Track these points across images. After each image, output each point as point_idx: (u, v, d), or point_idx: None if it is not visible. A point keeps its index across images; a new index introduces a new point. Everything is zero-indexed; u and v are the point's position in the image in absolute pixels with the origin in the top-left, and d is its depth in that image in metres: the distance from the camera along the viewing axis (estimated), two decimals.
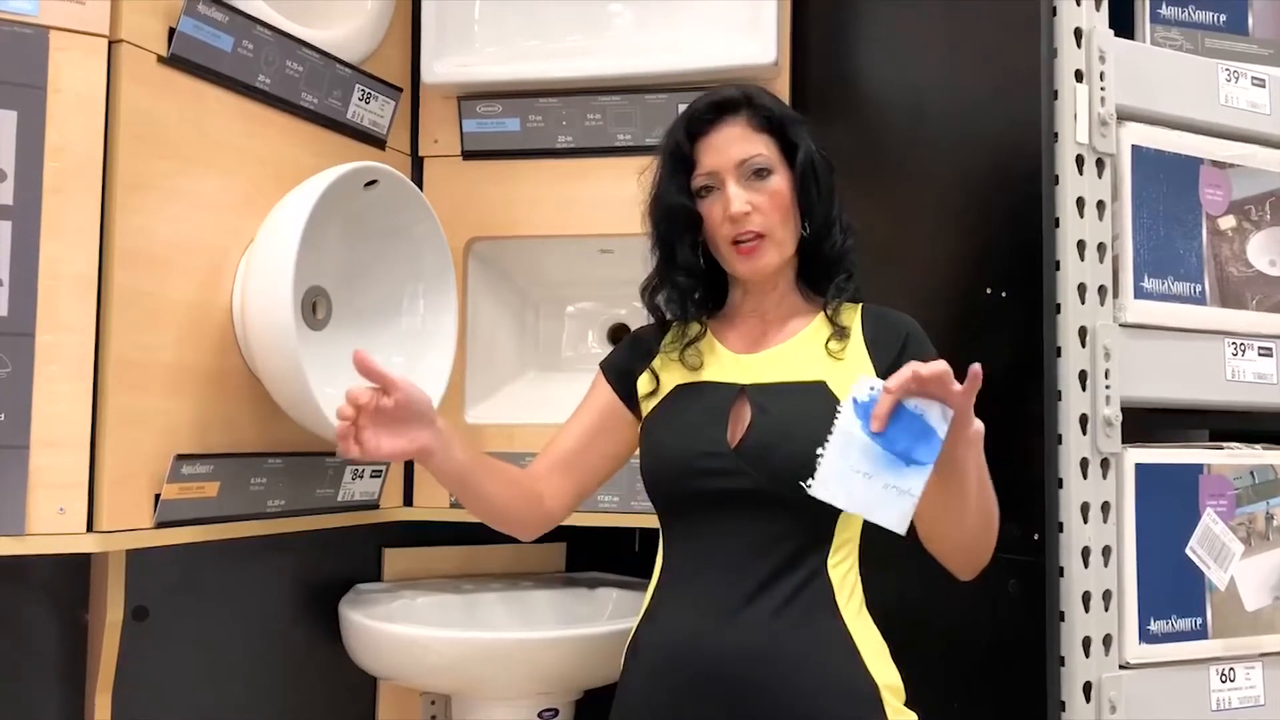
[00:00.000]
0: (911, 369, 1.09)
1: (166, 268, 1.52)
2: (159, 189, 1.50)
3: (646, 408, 1.41)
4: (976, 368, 1.10)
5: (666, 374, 1.40)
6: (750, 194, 1.33)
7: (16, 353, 1.37)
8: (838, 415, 1.12)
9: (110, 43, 1.45)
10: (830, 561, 1.30)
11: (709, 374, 1.37)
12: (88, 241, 1.42)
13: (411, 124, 1.99)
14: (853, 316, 1.38)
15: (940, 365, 1.09)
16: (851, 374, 1.31)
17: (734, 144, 1.34)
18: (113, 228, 1.44)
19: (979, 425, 1.14)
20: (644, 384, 1.41)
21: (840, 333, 1.35)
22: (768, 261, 1.36)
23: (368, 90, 1.84)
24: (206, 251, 1.59)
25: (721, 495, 1.27)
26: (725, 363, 1.38)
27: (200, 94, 1.57)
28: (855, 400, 1.12)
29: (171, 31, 1.51)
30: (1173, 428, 1.80)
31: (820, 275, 1.40)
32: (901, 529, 1.11)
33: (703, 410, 1.33)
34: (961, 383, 1.10)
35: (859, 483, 1.10)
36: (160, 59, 1.51)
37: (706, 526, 1.27)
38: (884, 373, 1.30)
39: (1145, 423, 1.64)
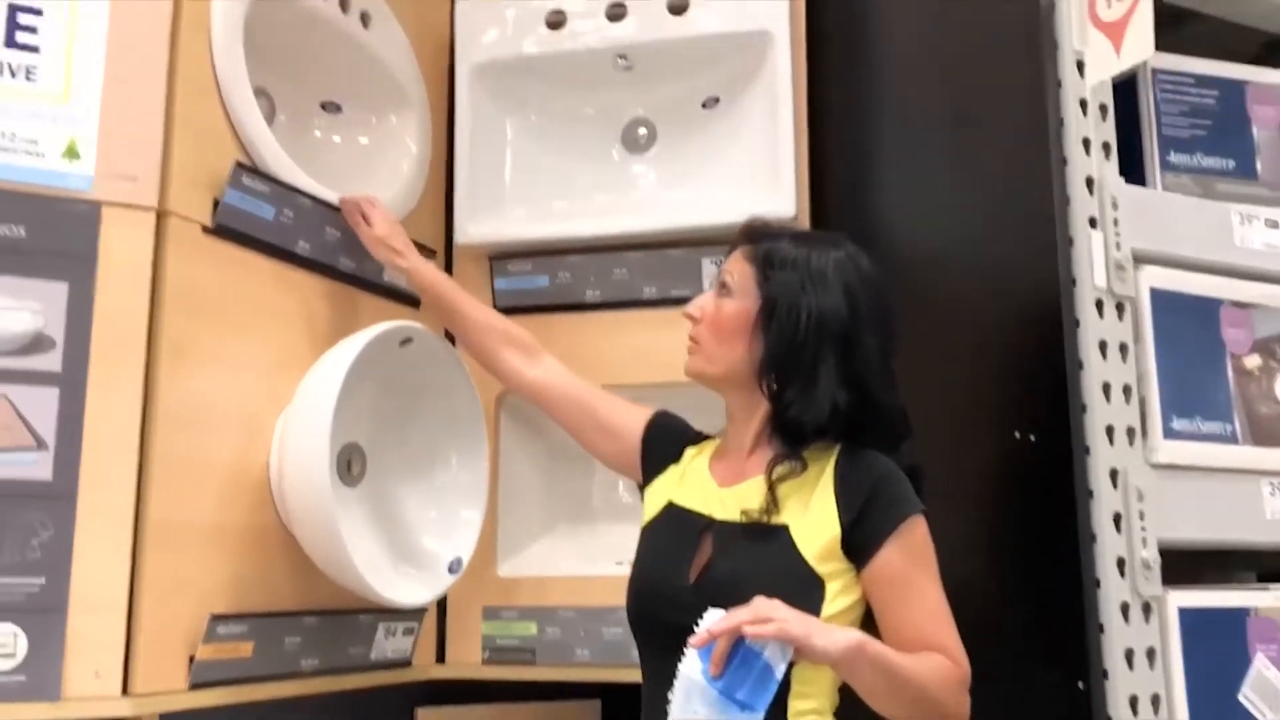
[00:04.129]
0: (735, 620, 1.14)
1: (207, 429, 1.55)
2: (201, 353, 1.55)
3: (646, 514, 1.44)
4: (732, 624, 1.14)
5: (672, 484, 1.43)
6: (708, 304, 1.41)
7: (59, 516, 1.39)
8: (682, 659, 1.16)
9: (158, 214, 1.51)
10: (792, 709, 1.25)
11: (690, 499, 1.39)
12: (131, 406, 1.45)
13: None
14: (828, 460, 1.33)
15: (762, 611, 1.14)
16: (816, 521, 1.29)
17: (728, 262, 1.43)
18: (156, 392, 1.48)
19: (836, 645, 1.16)
20: (653, 499, 1.44)
21: (801, 480, 1.32)
22: (693, 367, 1.42)
23: None
24: (246, 412, 1.62)
25: (681, 630, 1.22)
26: (707, 491, 1.39)
27: (242, 261, 1.63)
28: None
29: (216, 202, 1.58)
30: (1221, 568, 1.77)
31: (785, 428, 1.34)
32: None
33: (673, 541, 1.36)
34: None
35: None
36: (205, 229, 1.57)
37: (668, 661, 1.24)
38: (848, 523, 1.27)
39: (1193, 564, 1.62)
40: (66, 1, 1.47)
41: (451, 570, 1.76)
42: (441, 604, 1.94)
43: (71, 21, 1.47)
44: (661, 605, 1.31)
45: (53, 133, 1.45)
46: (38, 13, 1.45)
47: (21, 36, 1.45)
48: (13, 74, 1.44)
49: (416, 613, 1.83)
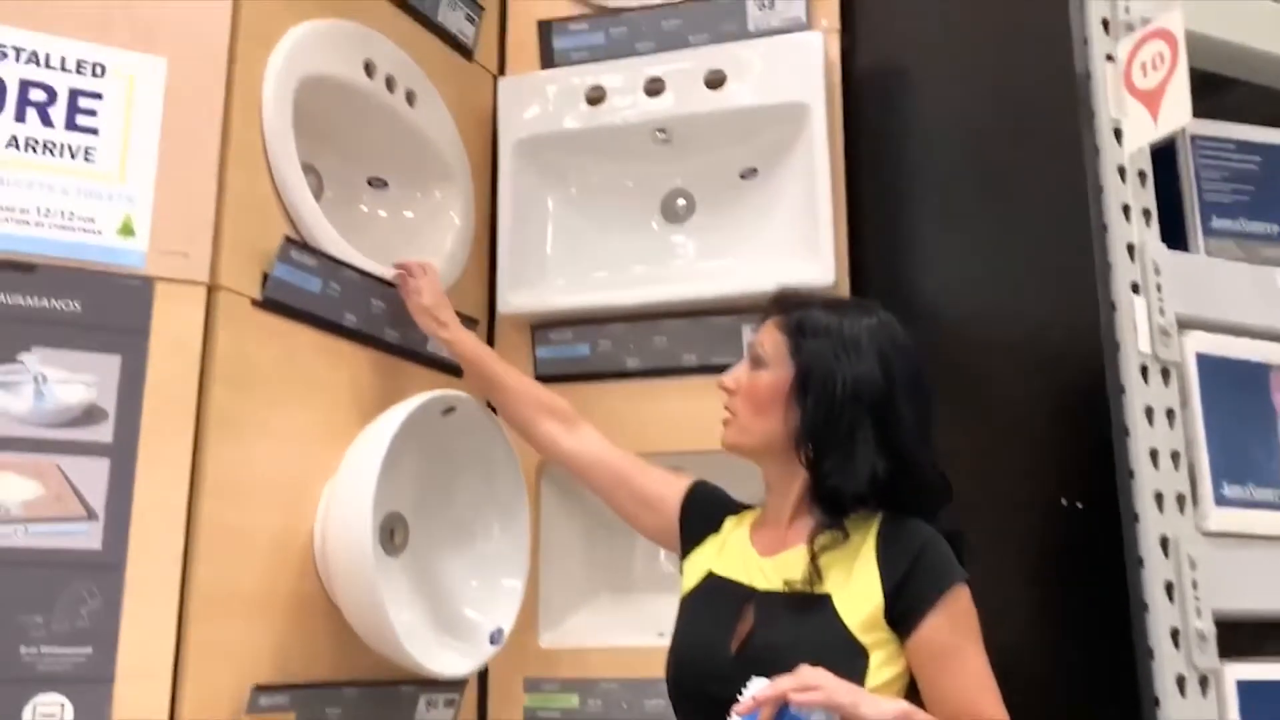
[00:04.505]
0: (780, 687, 1.13)
1: (253, 499, 1.57)
2: (248, 424, 1.57)
3: (685, 584, 1.43)
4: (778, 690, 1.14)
5: (711, 554, 1.43)
6: (743, 376, 1.41)
7: (107, 586, 1.41)
8: None
9: (209, 289, 1.54)
10: None
11: (732, 570, 1.38)
12: (180, 477, 1.48)
13: None
14: (870, 528, 1.32)
15: (808, 679, 1.14)
16: (859, 591, 1.28)
17: (761, 332, 1.43)
18: (204, 462, 1.50)
19: (883, 714, 1.15)
20: (692, 570, 1.44)
21: (843, 550, 1.31)
22: (729, 439, 1.42)
23: None
24: (291, 482, 1.64)
25: (722, 702, 1.21)
26: (749, 561, 1.38)
27: (290, 333, 1.65)
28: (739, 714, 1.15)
29: (265, 276, 1.61)
30: None
31: (825, 498, 1.34)
32: None
33: (715, 611, 1.35)
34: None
35: None
36: (254, 302, 1.60)
37: None
38: (891, 592, 1.26)
39: (1259, 635, 1.58)
40: (125, 86, 1.52)
41: (493, 641, 1.75)
42: (483, 675, 1.93)
43: (129, 104, 1.52)
44: (703, 676, 1.30)
45: (109, 211, 1.49)
46: (97, 96, 1.51)
47: (82, 119, 1.50)
48: (72, 155, 1.49)
49: (458, 684, 1.82)
